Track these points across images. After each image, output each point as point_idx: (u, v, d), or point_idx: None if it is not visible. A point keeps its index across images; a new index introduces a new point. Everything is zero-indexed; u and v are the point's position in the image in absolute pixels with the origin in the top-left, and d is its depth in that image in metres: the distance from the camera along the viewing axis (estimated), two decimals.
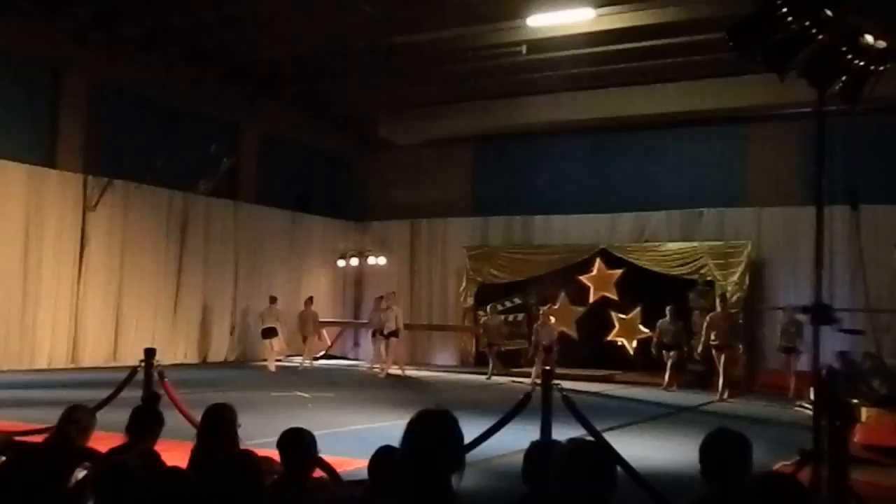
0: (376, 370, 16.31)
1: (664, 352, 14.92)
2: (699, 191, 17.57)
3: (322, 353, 19.57)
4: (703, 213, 17.38)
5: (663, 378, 14.71)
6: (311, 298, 17.72)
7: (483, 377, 16.05)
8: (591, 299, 18.03)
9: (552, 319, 15.35)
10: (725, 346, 13.73)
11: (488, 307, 18.17)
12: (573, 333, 18.09)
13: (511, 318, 18.60)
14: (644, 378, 15.43)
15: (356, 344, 21.20)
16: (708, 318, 14.27)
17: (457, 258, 19.79)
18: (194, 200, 17.58)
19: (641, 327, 17.25)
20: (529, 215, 19.37)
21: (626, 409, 11.80)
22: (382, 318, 16.23)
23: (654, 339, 15.14)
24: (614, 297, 17.77)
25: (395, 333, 16.06)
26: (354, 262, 21.05)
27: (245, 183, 19.31)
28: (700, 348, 14.56)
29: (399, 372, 16.10)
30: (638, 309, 17.39)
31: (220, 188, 18.12)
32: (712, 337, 13.79)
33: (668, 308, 15.06)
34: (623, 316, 17.68)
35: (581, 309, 18.20)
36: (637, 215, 18.09)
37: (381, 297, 17.03)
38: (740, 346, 14.27)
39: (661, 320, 15.17)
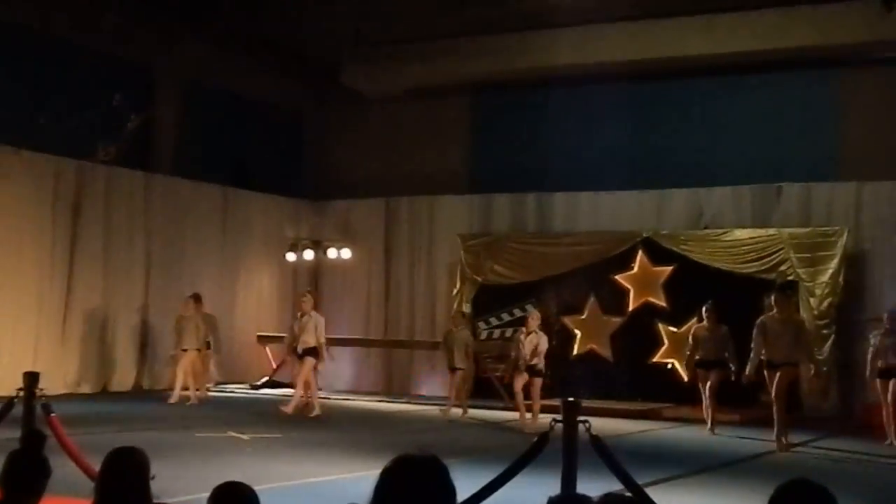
0: (289, 408, 15.06)
1: (701, 371, 14.49)
2: (778, 160, 17.65)
3: (266, 379, 19.59)
4: (783, 190, 17.44)
5: (706, 413, 14.36)
6: (197, 296, 16.97)
7: (492, 412, 16.05)
8: (631, 306, 18.08)
9: (536, 321, 14.52)
10: (713, 363, 14.14)
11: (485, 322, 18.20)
12: (606, 353, 18.15)
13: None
14: (704, 414, 15.50)
15: (313, 368, 21.19)
16: (693, 329, 14.79)
17: (449, 250, 19.83)
18: (91, 171, 17.54)
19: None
20: (547, 192, 19.42)
21: (677, 456, 11.84)
22: (296, 330, 15.39)
23: (687, 353, 14.92)
24: (662, 303, 17.84)
25: (312, 352, 15.20)
26: (309, 255, 21.06)
27: (161, 148, 19.30)
28: (686, 371, 14.76)
29: (317, 412, 15.11)
30: (694, 319, 17.47)
31: (126, 155, 18.07)
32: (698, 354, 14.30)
33: (705, 307, 14.80)
34: (674, 329, 17.75)
35: (617, 320, 18.25)
36: (693, 192, 18.16)
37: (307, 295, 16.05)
38: (731, 367, 13.85)
39: (695, 325, 15.07)
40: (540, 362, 14.18)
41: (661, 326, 17.88)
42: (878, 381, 13.38)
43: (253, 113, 21.00)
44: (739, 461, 11.76)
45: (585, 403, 6.80)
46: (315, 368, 15.56)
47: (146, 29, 17.80)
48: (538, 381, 14.19)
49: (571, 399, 6.65)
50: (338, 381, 20.74)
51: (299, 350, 15.16)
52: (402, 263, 20.72)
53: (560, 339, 18.55)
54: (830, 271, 16.37)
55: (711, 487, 9.88)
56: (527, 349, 14.08)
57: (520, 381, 14.13)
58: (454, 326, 15.97)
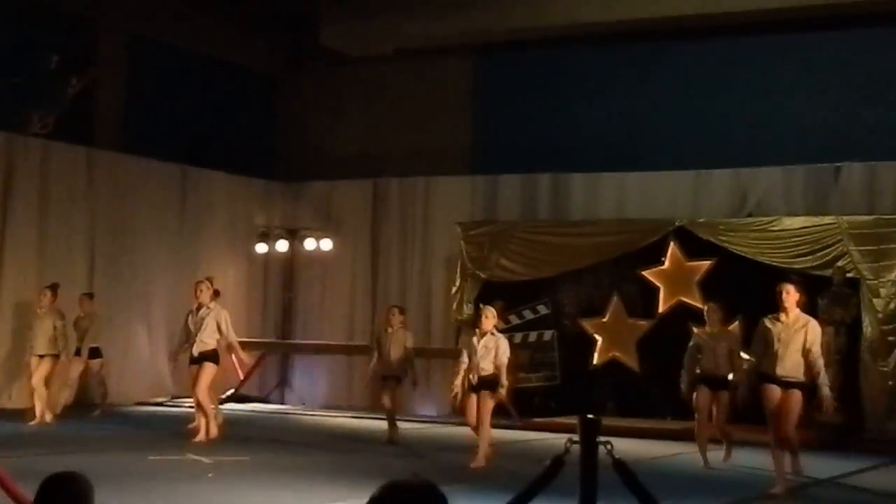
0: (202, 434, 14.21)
1: (704, 388, 13.33)
2: (838, 135, 17.66)
3: (231, 391, 19.62)
4: (843, 170, 17.46)
5: (699, 441, 13.29)
6: (89, 295, 16.88)
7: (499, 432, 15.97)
8: (662, 308, 18.11)
9: (492, 320, 12.75)
10: (719, 379, 13.18)
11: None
12: (632, 362, 18.17)
13: (533, 337, 18.69)
14: (751, 434, 15.47)
15: (283, 381, 21.24)
16: (694, 335, 13.84)
17: (447, 240, 19.85)
18: (24, 146, 17.54)
19: (743, 354, 17.32)
20: (562, 172, 19.44)
21: (715, 483, 11.87)
22: (192, 327, 14.42)
23: (685, 364, 13.78)
24: (698, 303, 17.83)
25: (210, 356, 14.27)
26: (282, 245, 21.07)
27: (106, 117, 19.33)
28: (684, 386, 13.41)
29: (206, 436, 14.07)
30: (737, 323, 17.49)
31: (65, 126, 18.07)
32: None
33: (707, 306, 14.32)
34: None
35: (645, 323, 18.29)
36: (736, 173, 18.19)
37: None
38: (736, 385, 12.55)
39: (697, 329, 14.23)
40: (500, 374, 12.47)
41: (696, 331, 17.88)
42: None
43: (216, 77, 21.01)
44: (813, 485, 11.76)
45: (607, 422, 6.81)
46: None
47: None
48: (490, 399, 12.49)
49: (590, 416, 6.66)
50: (314, 395, 20.81)
51: (195, 353, 14.13)
52: (393, 256, 20.76)
53: (577, 346, 18.63)
54: None
55: None
56: (481, 357, 12.43)
57: (472, 406, 12.54)
58: (389, 325, 14.72)
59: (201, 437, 13.95)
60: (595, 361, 18.50)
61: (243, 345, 19.17)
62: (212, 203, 20.58)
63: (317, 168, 21.34)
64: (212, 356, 14.16)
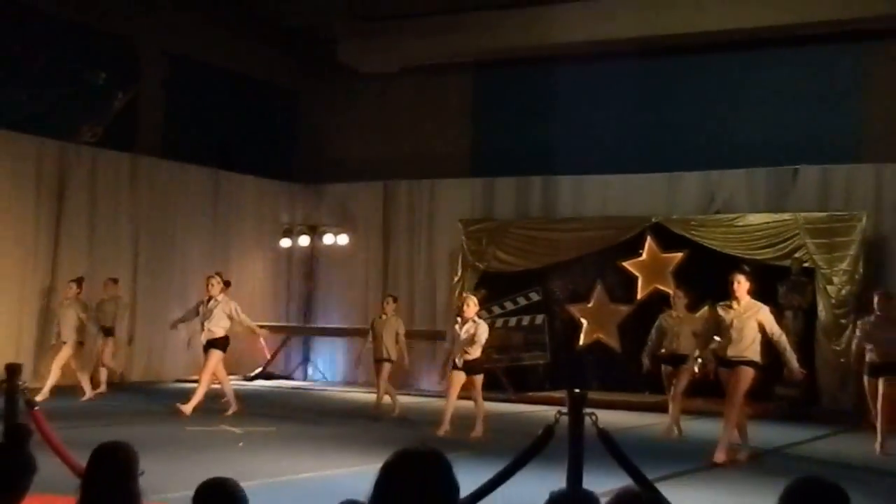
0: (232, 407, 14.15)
1: (665, 366, 13.37)
2: (795, 142, 17.61)
3: (259, 370, 19.64)
4: (800, 172, 17.43)
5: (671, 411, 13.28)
6: (114, 280, 16.54)
7: (496, 405, 15.93)
8: (640, 294, 18.09)
9: (473, 308, 12.57)
10: (678, 357, 13.06)
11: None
12: (613, 343, 18.17)
13: (526, 321, 18.68)
14: (720, 406, 15.44)
15: (306, 359, 21.27)
16: (660, 318, 13.64)
17: (450, 236, 19.82)
18: (76, 153, 17.53)
19: (716, 337, 17.27)
20: (552, 175, 19.40)
21: (689, 450, 11.87)
22: (201, 317, 14.23)
23: (649, 342, 13.63)
24: (672, 290, 17.84)
25: (215, 343, 14.00)
26: (304, 240, 21.08)
27: (147, 127, 19.30)
28: (646, 360, 13.36)
29: (191, 410, 13.60)
30: (706, 308, 17.46)
31: (111, 135, 18.07)
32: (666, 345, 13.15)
33: (674, 292, 14.28)
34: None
35: (625, 308, 18.27)
36: (705, 175, 18.14)
37: None
38: (697, 360, 11.99)
39: (662, 314, 13.86)
40: (476, 352, 12.34)
41: (662, 314, 17.84)
42: (866, 378, 12.15)
43: (244, 91, 20.97)
44: (766, 454, 11.75)
45: (592, 395, 6.80)
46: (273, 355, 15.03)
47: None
48: (478, 380, 12.44)
49: (577, 391, 6.66)
50: (333, 373, 20.86)
51: (203, 340, 14.06)
52: (401, 250, 20.73)
53: (565, 328, 18.65)
54: (849, 258, 16.34)
55: (722, 483, 9.89)
56: (462, 341, 12.27)
57: (455, 381, 12.34)
58: (384, 312, 14.69)
59: (232, 409, 13.93)
60: (581, 342, 18.51)
61: (270, 328, 19.23)
62: (241, 203, 20.56)
63: (334, 172, 21.30)
64: (217, 343, 13.95)
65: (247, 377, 19.40)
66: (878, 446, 11.88)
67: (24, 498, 4.36)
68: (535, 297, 18.83)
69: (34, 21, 16.87)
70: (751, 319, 10.96)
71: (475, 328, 12.32)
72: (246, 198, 20.68)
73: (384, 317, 14.69)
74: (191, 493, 3.80)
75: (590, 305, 18.46)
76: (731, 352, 10.95)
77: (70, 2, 17.10)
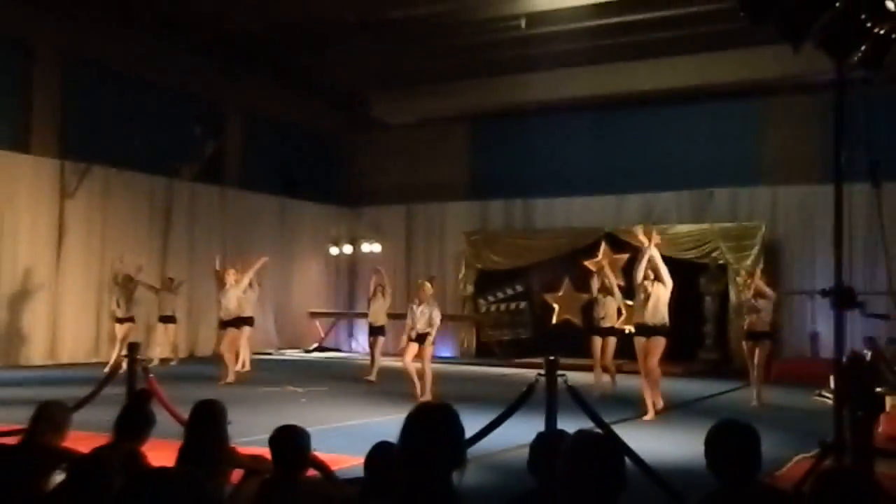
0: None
1: (596, 336, 12.50)
2: (711, 170, 17.55)
3: (316, 345, 19.63)
4: (714, 194, 17.38)
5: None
6: (171, 279, 15.71)
7: (490, 369, 15.95)
8: (596, 286, 18.00)
9: (428, 293, 11.84)
10: (605, 329, 12.36)
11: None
12: (578, 322, 18.12)
13: (513, 306, 18.66)
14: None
15: (350, 335, 21.25)
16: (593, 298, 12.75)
17: (455, 244, 19.80)
18: (178, 187, 17.53)
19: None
20: (530, 198, 19.36)
21: (636, 401, 11.82)
22: (222, 302, 13.23)
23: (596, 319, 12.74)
24: (621, 282, 17.75)
25: (231, 323, 13.11)
26: (348, 249, 21.05)
27: (230, 167, 19.30)
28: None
29: (226, 380, 12.59)
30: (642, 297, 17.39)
31: (204, 173, 18.08)
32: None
33: (595, 267, 13.62)
34: (630, 302, 17.58)
35: (586, 296, 18.09)
36: (644, 196, 18.09)
37: None
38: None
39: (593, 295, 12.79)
40: (432, 332, 11.54)
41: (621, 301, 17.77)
42: (745, 342, 11.78)
43: (301, 137, 20.96)
44: (683, 405, 11.70)
45: (563, 361, 6.77)
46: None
47: (216, 71, 17.69)
48: (427, 350, 11.52)
49: (552, 358, 6.63)
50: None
51: (223, 317, 13.05)
52: (420, 255, 20.69)
53: (542, 311, 18.61)
54: (752, 256, 16.33)
55: (663, 426, 9.84)
56: (418, 319, 11.53)
57: (409, 352, 11.55)
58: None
59: (229, 378, 12.65)
60: (553, 321, 18.46)
61: (322, 314, 19.13)
62: (301, 223, 20.53)
63: (369, 197, 21.27)
64: (233, 323, 13.08)
65: (306, 350, 19.36)
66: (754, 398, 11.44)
67: (146, 443, 4.35)
68: (519, 288, 18.83)
69: (149, 89, 16.89)
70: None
71: (430, 310, 11.58)
72: (305, 218, 20.64)
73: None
74: (267, 436, 3.79)
75: (560, 294, 18.41)
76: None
77: (176, 74, 17.10)
